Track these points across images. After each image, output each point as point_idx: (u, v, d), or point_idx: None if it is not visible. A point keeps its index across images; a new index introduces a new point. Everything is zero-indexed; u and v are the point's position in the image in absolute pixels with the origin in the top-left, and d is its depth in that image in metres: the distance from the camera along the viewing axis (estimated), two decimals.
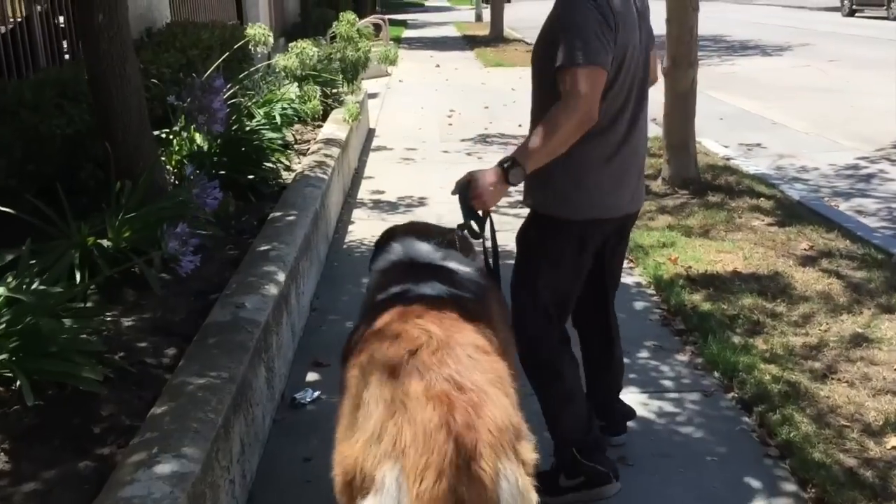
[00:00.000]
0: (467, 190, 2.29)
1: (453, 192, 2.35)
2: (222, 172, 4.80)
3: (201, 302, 3.35)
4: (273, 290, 3.24)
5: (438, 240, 2.31)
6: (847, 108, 9.83)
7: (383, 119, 9.68)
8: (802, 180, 6.83)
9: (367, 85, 11.30)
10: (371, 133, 8.80)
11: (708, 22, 5.55)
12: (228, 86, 5.60)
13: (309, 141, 6.45)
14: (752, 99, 10.73)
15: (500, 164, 2.30)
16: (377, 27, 15.72)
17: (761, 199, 5.70)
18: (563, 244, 2.51)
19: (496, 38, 19.83)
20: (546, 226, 2.50)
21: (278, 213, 4.21)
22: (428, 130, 8.85)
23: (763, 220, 5.25)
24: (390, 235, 2.43)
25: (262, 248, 3.67)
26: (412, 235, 2.34)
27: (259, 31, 5.23)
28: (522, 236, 2.62)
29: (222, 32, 7.35)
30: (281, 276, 3.39)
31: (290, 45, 5.44)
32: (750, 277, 4.27)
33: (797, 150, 7.93)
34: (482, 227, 2.39)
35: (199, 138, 4.88)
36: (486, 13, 26.30)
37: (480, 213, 2.36)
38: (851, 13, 23.85)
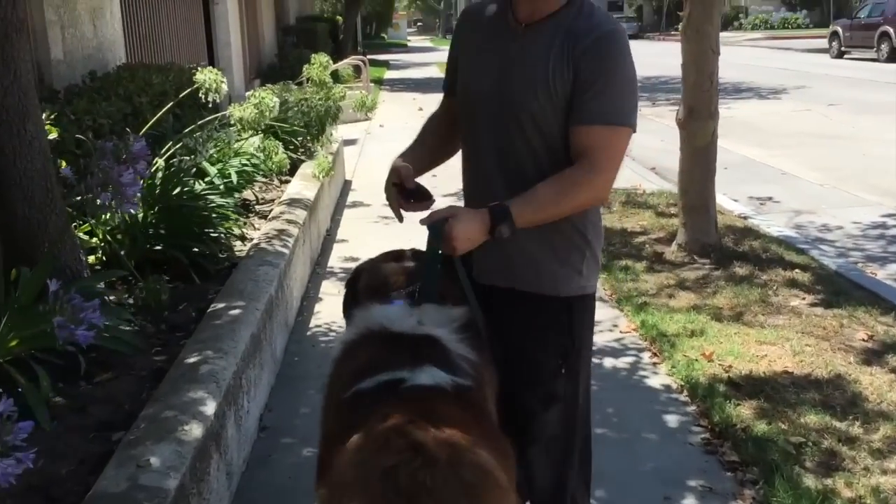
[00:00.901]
0: (442, 227, 1.84)
1: (423, 222, 1.88)
2: (158, 247, 3.97)
3: (101, 444, 2.49)
4: (196, 430, 2.38)
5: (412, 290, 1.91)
6: (859, 157, 9.18)
7: (361, 169, 8.88)
8: (828, 242, 6.09)
9: (345, 130, 10.53)
10: (347, 186, 7.99)
11: None
12: (177, 137, 4.81)
13: (273, 200, 5.63)
14: (754, 146, 10.07)
15: (491, 212, 1.84)
16: (357, 69, 15.04)
17: (795, 270, 4.92)
18: (592, 321, 2.15)
19: None
20: (580, 308, 2.06)
21: (221, 305, 3.36)
22: None
23: (804, 299, 4.46)
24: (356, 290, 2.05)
25: (192, 360, 2.82)
26: (379, 294, 1.94)
27: (210, 76, 4.42)
28: (549, 338, 2.03)
29: (179, 76, 6.57)
30: (210, 407, 2.54)
31: (248, 93, 4.63)
32: (806, 381, 3.46)
33: (815, 205, 7.22)
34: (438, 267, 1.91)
35: None
36: None
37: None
38: (840, 55, 23.63)
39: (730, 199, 7.26)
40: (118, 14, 7.43)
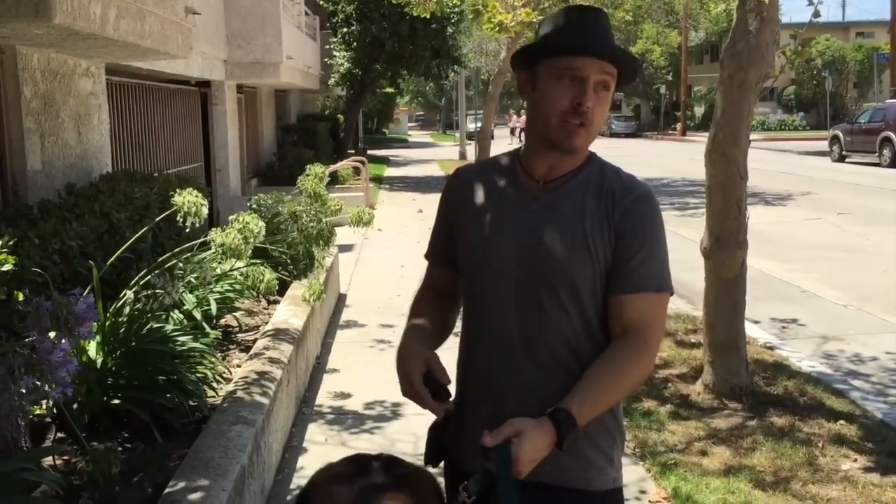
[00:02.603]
0: (510, 446, 1.54)
1: (484, 444, 1.55)
2: (117, 401, 3.44)
3: None
4: None
5: None
6: (879, 274, 8.76)
7: (357, 281, 8.43)
8: (864, 377, 5.58)
9: (342, 234, 10.14)
10: (341, 301, 7.52)
11: (696, 165, 4.53)
12: (153, 264, 4.34)
13: (258, 327, 5.13)
14: (768, 258, 9.64)
15: (555, 421, 1.59)
16: (357, 170, 14.83)
17: (840, 421, 4.39)
18: None
19: None
20: None
21: (180, 485, 2.82)
22: (408, 299, 7.39)
23: (856, 462, 3.92)
24: None
25: None
26: None
27: (189, 198, 3.99)
28: None
29: (164, 187, 6.16)
30: None
31: (230, 217, 4.20)
32: None
33: (842, 330, 6.74)
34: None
35: (92, 348, 3.55)
36: (470, 150, 25.86)
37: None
38: (841, 159, 23.64)
39: (751, 322, 6.80)
40: (106, 119, 7.11)
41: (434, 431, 1.91)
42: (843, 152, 23.54)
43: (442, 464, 1.89)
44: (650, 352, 1.74)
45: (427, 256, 1.96)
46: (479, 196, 1.82)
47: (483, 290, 1.78)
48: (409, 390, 1.74)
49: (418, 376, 1.72)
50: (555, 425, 1.58)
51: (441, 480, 1.69)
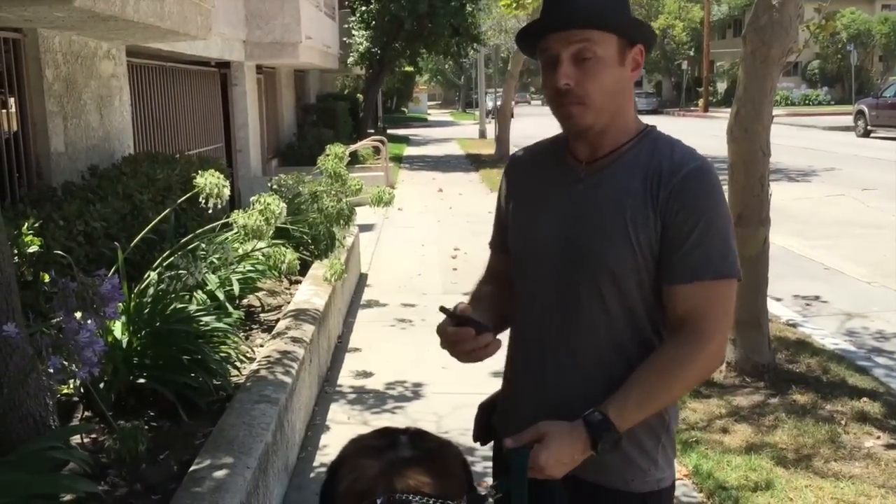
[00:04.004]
0: (528, 451, 1.50)
1: (506, 446, 1.54)
2: (142, 380, 3.49)
3: None
4: None
5: None
6: None
7: (378, 261, 8.45)
8: (887, 353, 5.54)
9: (362, 213, 10.15)
10: (362, 280, 7.55)
11: (718, 142, 4.49)
12: (176, 245, 4.37)
13: (280, 307, 5.17)
14: (791, 235, 9.56)
15: (588, 424, 1.51)
16: (377, 149, 14.83)
17: (863, 398, 4.36)
18: None
19: (502, 157, 18.91)
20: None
21: (205, 462, 2.86)
22: (429, 278, 7.60)
23: (879, 439, 3.90)
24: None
25: None
26: None
27: (211, 180, 4.02)
28: None
29: (186, 168, 6.20)
30: None
31: (252, 198, 4.22)
32: None
33: (866, 307, 6.69)
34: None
35: (117, 328, 3.60)
36: (490, 129, 25.75)
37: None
38: (866, 134, 23.30)
39: (773, 300, 6.76)
40: (127, 101, 7.15)
41: (483, 410, 1.86)
42: (869, 127, 23.20)
43: (492, 443, 1.84)
44: (710, 346, 1.56)
45: (489, 245, 1.89)
46: (527, 180, 1.76)
47: (526, 278, 1.72)
48: (442, 337, 1.63)
49: (446, 322, 1.62)
50: (587, 429, 1.51)
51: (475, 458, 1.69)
